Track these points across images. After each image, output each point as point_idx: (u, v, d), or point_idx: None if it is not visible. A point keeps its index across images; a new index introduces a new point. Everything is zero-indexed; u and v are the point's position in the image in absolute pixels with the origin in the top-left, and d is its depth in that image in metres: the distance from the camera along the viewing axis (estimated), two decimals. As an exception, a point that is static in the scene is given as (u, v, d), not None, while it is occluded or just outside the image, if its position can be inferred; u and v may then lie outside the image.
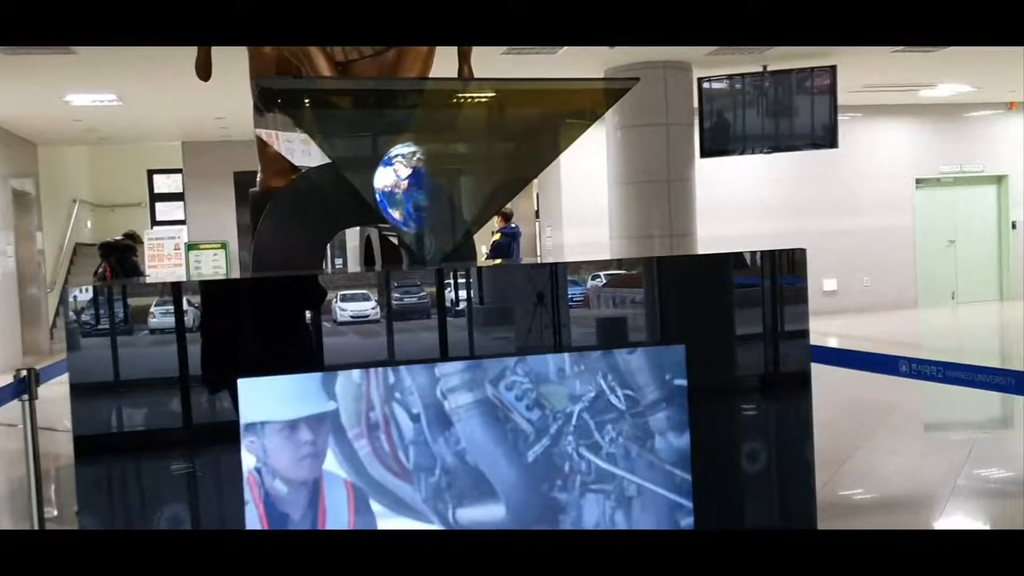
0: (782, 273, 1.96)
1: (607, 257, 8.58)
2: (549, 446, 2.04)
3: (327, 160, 2.92)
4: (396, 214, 2.50)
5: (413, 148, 2.19)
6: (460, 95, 2.16)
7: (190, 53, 6.84)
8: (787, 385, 2.12)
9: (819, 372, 2.51)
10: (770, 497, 2.26)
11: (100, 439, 1.97)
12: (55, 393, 3.66)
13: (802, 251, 1.87)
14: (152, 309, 2.14)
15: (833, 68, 8.32)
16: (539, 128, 2.06)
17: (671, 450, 2.10)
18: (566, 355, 2.03)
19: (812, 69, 8.39)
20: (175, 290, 2.06)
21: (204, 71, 4.73)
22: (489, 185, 2.15)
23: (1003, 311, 12.32)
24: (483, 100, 2.20)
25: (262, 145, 4.51)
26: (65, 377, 2.00)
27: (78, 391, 1.94)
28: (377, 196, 2.52)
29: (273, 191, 4.37)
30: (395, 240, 3.25)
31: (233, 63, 4.52)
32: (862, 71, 9.33)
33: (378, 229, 3.44)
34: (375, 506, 2.03)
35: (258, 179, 4.61)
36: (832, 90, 8.58)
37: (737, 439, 2.19)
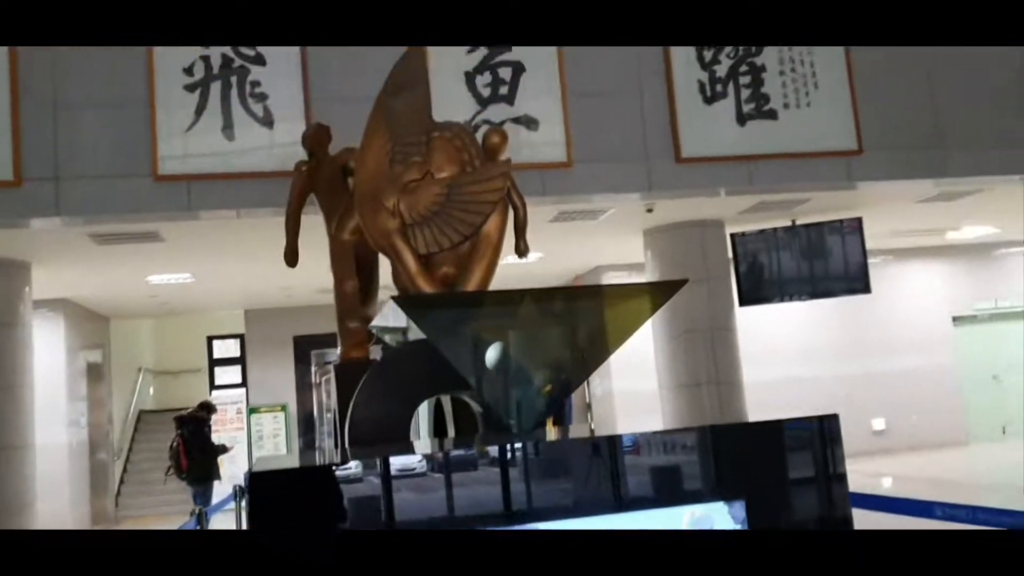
0: (816, 438, 2.28)
1: (657, 409, 8.87)
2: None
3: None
4: (482, 385, 2.92)
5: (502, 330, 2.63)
6: (550, 298, 2.62)
7: (259, 232, 7.56)
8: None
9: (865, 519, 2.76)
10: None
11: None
12: None
13: (834, 416, 2.21)
14: None
15: (859, 220, 8.81)
16: (603, 323, 2.47)
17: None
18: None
19: (840, 221, 8.88)
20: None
21: (292, 259, 5.33)
22: (564, 369, 2.56)
23: (1056, 444, 12.23)
24: (563, 302, 2.64)
25: (341, 320, 5.04)
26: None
27: None
28: (464, 368, 2.95)
29: (353, 361, 4.86)
30: (474, 406, 3.65)
31: (305, 245, 5.15)
32: (888, 220, 9.83)
33: (450, 397, 3.85)
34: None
35: (339, 351, 5.11)
36: (861, 238, 9.03)
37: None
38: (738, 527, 2.13)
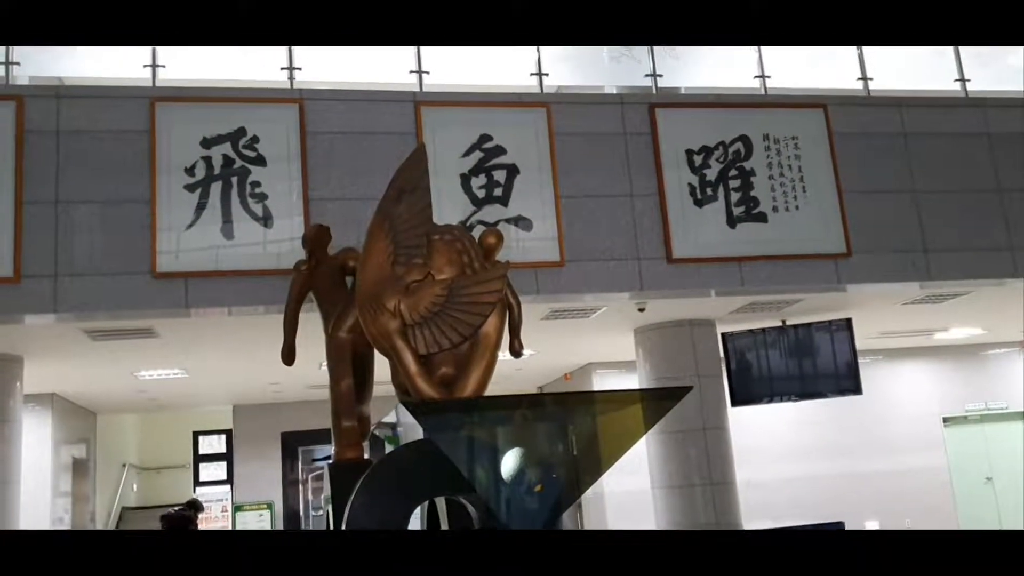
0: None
1: (649, 510, 8.76)
2: None
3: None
4: (483, 489, 2.92)
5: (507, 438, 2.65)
6: (554, 403, 2.65)
7: (251, 329, 7.56)
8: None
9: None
10: None
11: None
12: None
13: (839, 524, 2.22)
14: None
15: (848, 320, 8.91)
16: (608, 429, 2.50)
17: None
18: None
19: (830, 322, 8.98)
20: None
21: (290, 357, 5.35)
22: (571, 473, 2.58)
23: (1053, 548, 12.07)
24: (579, 403, 2.67)
25: (336, 419, 5.03)
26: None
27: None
28: (465, 470, 2.95)
29: (347, 461, 4.83)
30: (470, 509, 3.63)
31: (299, 343, 5.18)
32: (877, 321, 9.95)
33: (445, 498, 3.83)
34: None
35: (332, 450, 5.08)
36: (851, 339, 9.12)
37: None
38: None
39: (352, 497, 3.66)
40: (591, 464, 2.59)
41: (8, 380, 7.63)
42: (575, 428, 2.53)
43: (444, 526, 3.99)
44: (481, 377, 4.03)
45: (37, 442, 10.64)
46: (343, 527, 3.66)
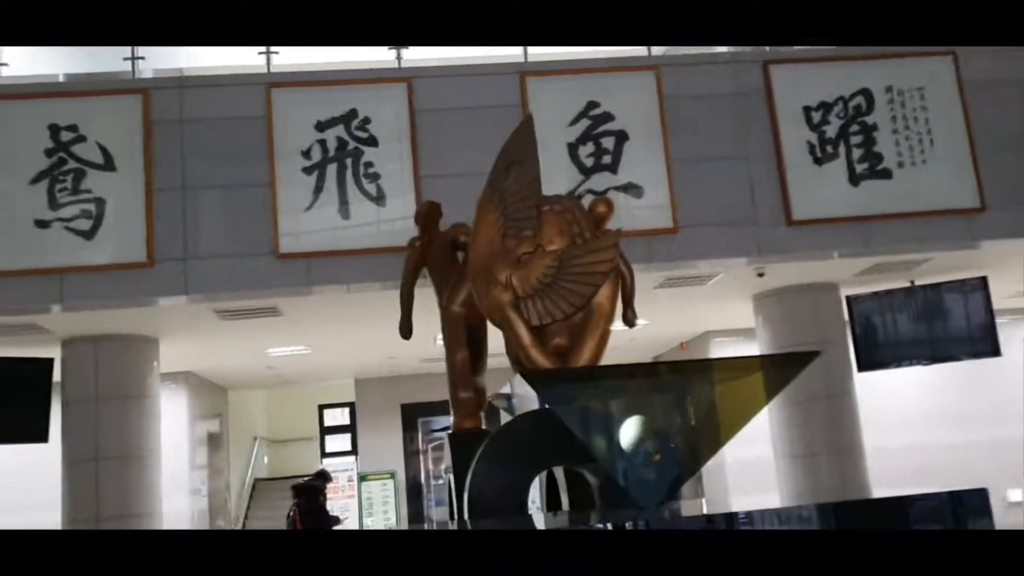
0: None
1: (772, 480, 8.57)
2: None
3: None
4: (603, 458, 2.89)
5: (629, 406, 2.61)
6: (671, 372, 2.60)
7: (369, 305, 7.71)
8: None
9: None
10: None
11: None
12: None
13: (982, 491, 2.09)
14: None
15: (983, 279, 8.43)
16: (728, 398, 2.43)
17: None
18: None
19: (963, 281, 8.52)
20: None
21: (407, 331, 5.45)
22: (693, 438, 2.53)
23: None
24: (695, 372, 2.61)
25: (453, 390, 5.10)
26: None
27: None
28: (585, 440, 2.93)
29: (465, 431, 4.90)
30: (590, 478, 3.62)
31: (415, 318, 5.26)
32: (1015, 280, 9.37)
33: (564, 468, 3.83)
34: None
35: (451, 420, 5.17)
36: (986, 298, 8.62)
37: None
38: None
39: (473, 466, 3.71)
40: (710, 435, 2.52)
41: (146, 360, 8.06)
42: (693, 397, 2.47)
43: (564, 496, 4.00)
44: (595, 347, 4.01)
45: (174, 418, 11.25)
46: (465, 496, 3.72)
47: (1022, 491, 11.56)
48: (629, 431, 2.41)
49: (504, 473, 3.54)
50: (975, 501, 2.08)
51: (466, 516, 3.63)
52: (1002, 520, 10.53)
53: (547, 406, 2.97)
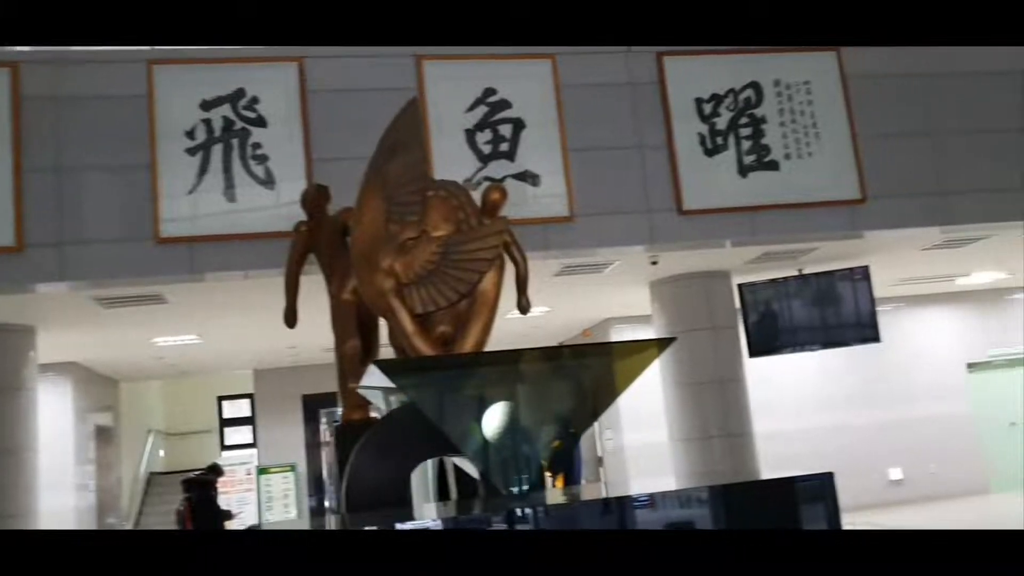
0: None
1: (670, 462, 8.74)
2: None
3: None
4: (475, 447, 2.86)
5: (492, 391, 2.58)
6: (538, 356, 2.58)
7: (263, 293, 7.53)
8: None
9: None
10: None
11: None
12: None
13: (829, 475, 2.15)
14: None
15: (866, 268, 8.75)
16: (599, 377, 2.44)
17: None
18: None
19: (851, 270, 8.82)
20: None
21: (292, 319, 5.31)
22: (557, 421, 2.52)
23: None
24: (555, 358, 2.60)
25: (342, 381, 5.00)
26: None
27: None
28: (458, 430, 2.90)
29: (354, 423, 4.80)
30: (472, 472, 3.59)
31: (305, 302, 5.13)
32: (896, 267, 9.77)
33: (453, 461, 3.78)
34: None
35: (339, 413, 5.06)
36: (869, 286, 8.95)
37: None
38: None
39: (351, 459, 3.62)
40: (576, 417, 2.52)
41: (21, 349, 7.67)
42: (554, 382, 2.46)
43: (453, 485, 3.96)
44: (480, 335, 3.97)
45: (58, 411, 10.77)
46: (343, 489, 3.63)
47: (902, 470, 12.12)
48: (488, 419, 2.38)
49: (381, 467, 3.47)
50: (820, 484, 2.14)
51: (343, 510, 3.55)
52: (885, 496, 10.96)
53: (406, 395, 2.91)
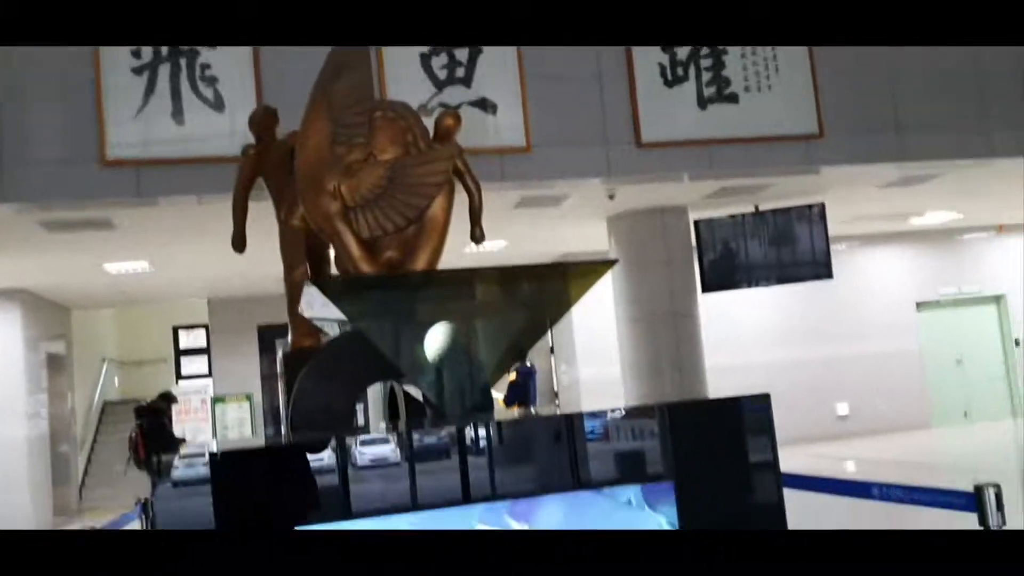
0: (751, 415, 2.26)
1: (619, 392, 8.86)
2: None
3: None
4: (419, 371, 2.85)
5: (435, 312, 2.56)
6: (479, 277, 2.55)
7: (217, 219, 7.38)
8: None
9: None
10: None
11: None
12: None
13: (765, 396, 2.18)
14: (176, 462, 2.45)
15: (821, 205, 8.81)
16: (543, 298, 2.42)
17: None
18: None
19: (809, 207, 8.87)
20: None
21: (240, 244, 5.21)
22: (501, 343, 2.51)
23: (1017, 428, 12.40)
24: (497, 280, 2.57)
25: (292, 308, 4.93)
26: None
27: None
28: (402, 354, 2.88)
29: (303, 350, 4.76)
30: (418, 395, 3.58)
31: (260, 230, 5.02)
32: (851, 205, 9.85)
33: (401, 384, 3.78)
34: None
35: (289, 339, 5.01)
36: (823, 223, 9.03)
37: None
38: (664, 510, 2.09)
39: (296, 383, 3.60)
40: (515, 340, 2.51)
41: (-36, 274, 7.49)
42: (495, 304, 2.44)
43: (402, 411, 3.96)
44: (429, 260, 3.91)
45: (7, 338, 10.60)
46: (288, 415, 3.61)
47: (848, 405, 12.42)
48: (431, 341, 2.37)
49: (328, 391, 3.45)
50: (758, 406, 2.17)
51: (288, 434, 3.53)
52: (832, 430, 11.17)
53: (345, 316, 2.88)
